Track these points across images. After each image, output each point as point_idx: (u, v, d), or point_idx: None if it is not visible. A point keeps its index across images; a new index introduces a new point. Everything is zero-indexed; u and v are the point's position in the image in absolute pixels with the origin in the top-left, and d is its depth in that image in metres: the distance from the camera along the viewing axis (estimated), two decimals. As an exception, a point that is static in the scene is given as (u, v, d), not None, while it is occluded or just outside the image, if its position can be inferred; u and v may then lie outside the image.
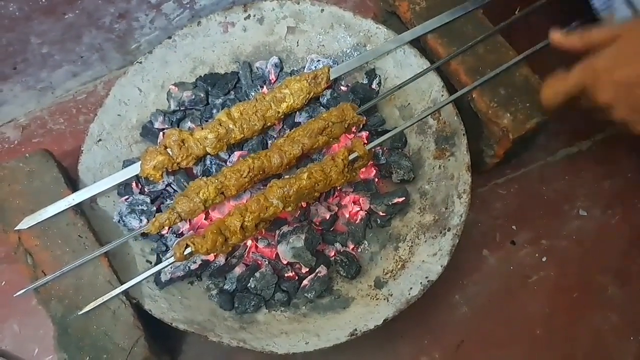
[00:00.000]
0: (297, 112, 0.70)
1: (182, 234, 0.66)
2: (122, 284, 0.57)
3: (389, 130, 0.69)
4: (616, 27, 0.49)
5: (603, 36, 0.50)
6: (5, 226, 0.60)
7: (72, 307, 0.56)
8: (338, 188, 0.68)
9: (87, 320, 0.56)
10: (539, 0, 0.70)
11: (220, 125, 0.63)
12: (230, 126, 0.63)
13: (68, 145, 0.77)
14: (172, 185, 0.67)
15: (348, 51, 0.75)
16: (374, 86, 0.74)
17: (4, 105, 0.76)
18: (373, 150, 0.68)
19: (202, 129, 0.63)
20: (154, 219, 0.59)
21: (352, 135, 0.71)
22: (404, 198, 0.67)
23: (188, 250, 0.57)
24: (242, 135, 0.64)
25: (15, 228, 0.58)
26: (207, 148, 0.63)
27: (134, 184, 0.67)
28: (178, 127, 0.71)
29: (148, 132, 0.71)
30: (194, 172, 0.67)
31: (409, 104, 0.73)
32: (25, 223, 0.58)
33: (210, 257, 0.64)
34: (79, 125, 0.79)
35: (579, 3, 0.69)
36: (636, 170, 0.77)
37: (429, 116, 0.69)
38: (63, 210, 0.59)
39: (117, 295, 0.56)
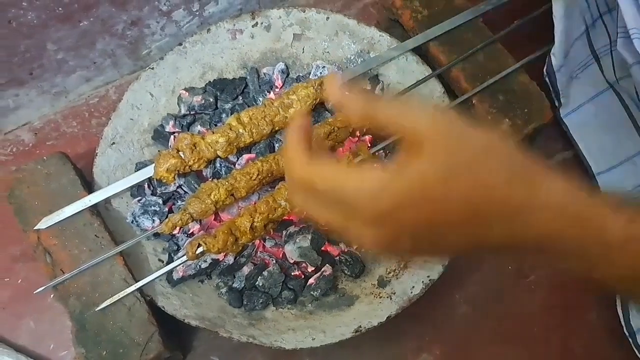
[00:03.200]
0: (303, 117, 0.73)
1: (192, 234, 0.68)
2: (136, 281, 0.60)
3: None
4: (421, 117, 0.34)
5: (395, 125, 0.34)
6: (25, 226, 0.62)
7: (90, 303, 0.59)
8: (343, 190, 0.70)
9: (104, 316, 0.58)
10: (537, 10, 0.72)
11: (231, 129, 0.65)
12: (240, 130, 0.65)
13: (81, 147, 0.79)
14: (182, 187, 0.69)
15: (352, 58, 0.78)
16: (377, 92, 0.76)
17: (20, 109, 0.78)
18: (376, 153, 0.71)
19: (213, 133, 0.65)
20: (167, 220, 0.62)
21: (356, 139, 0.74)
22: (406, 200, 0.70)
23: (200, 249, 0.60)
24: (252, 139, 0.66)
25: (35, 228, 0.61)
26: (217, 151, 0.65)
27: (146, 185, 0.70)
28: (188, 130, 0.74)
29: (159, 136, 0.73)
30: (204, 174, 0.70)
31: (411, 109, 0.75)
32: (44, 223, 0.61)
33: (220, 256, 0.67)
34: (92, 129, 0.81)
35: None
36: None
37: (431, 121, 0.71)
38: (80, 211, 0.62)
39: (133, 293, 0.59)
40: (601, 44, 0.72)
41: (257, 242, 0.68)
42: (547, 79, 0.73)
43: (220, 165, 0.69)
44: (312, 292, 0.66)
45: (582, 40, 0.72)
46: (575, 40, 0.72)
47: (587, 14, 0.70)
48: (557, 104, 0.77)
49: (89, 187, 0.67)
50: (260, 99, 0.75)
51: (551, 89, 0.74)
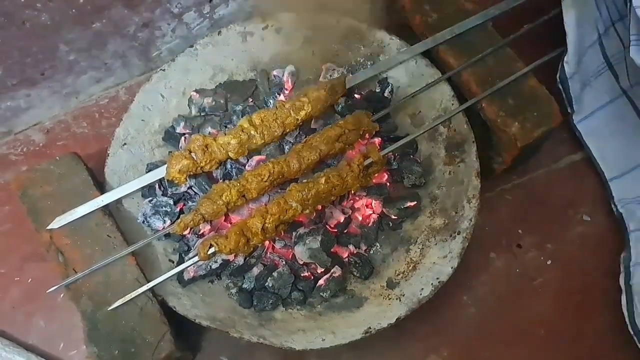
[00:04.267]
0: (313, 119, 0.73)
1: (202, 235, 0.69)
2: (148, 281, 0.60)
3: (401, 137, 0.72)
4: None
5: None
6: (37, 226, 0.63)
7: (102, 303, 0.59)
8: (352, 192, 0.71)
9: (116, 315, 0.59)
10: (546, 14, 0.73)
11: (242, 131, 0.66)
12: (252, 132, 0.66)
13: (91, 148, 0.80)
14: (193, 187, 0.70)
15: (362, 61, 0.79)
16: (386, 94, 0.77)
17: (31, 109, 0.79)
18: (386, 156, 0.71)
19: (225, 134, 0.66)
20: (179, 220, 0.62)
21: (366, 141, 0.74)
22: (415, 202, 0.70)
23: (212, 250, 0.60)
24: (263, 141, 0.67)
25: (47, 227, 0.61)
26: (229, 153, 0.66)
27: (157, 186, 0.70)
28: (199, 132, 0.74)
29: (170, 137, 0.74)
30: (214, 175, 0.70)
31: (421, 112, 0.76)
32: (57, 223, 0.61)
33: (230, 257, 0.67)
34: (102, 129, 0.82)
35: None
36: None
37: (440, 124, 0.72)
38: (92, 211, 0.62)
39: (145, 292, 0.59)
40: (614, 51, 0.73)
41: (267, 243, 0.68)
42: (560, 86, 0.74)
43: (231, 166, 0.69)
44: (321, 294, 0.66)
45: (594, 48, 0.73)
46: (588, 48, 0.72)
47: (599, 22, 0.70)
48: (569, 110, 0.77)
49: (101, 187, 0.68)
50: (271, 101, 0.76)
51: (564, 95, 0.75)
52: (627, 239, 0.73)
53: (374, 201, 0.72)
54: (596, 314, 0.72)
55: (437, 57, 0.74)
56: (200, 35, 0.82)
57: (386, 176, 0.74)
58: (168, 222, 0.68)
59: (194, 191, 0.70)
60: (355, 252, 0.70)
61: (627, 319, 0.68)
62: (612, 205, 0.76)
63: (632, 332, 0.68)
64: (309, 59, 0.80)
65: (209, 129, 0.74)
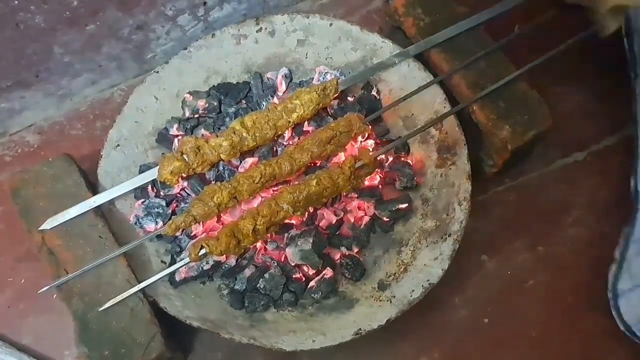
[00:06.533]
0: (306, 122, 0.73)
1: (195, 236, 0.69)
2: (139, 282, 0.61)
3: (393, 140, 0.73)
4: None
5: None
6: (30, 226, 0.63)
7: (93, 304, 0.59)
8: (344, 194, 0.71)
9: (107, 316, 0.59)
10: (538, 18, 0.73)
11: (234, 133, 0.66)
12: (244, 134, 0.66)
13: (85, 149, 0.80)
14: (186, 189, 0.70)
15: (354, 63, 0.79)
16: (378, 97, 0.77)
17: (25, 111, 0.79)
18: (377, 158, 0.71)
19: (217, 136, 0.66)
20: (170, 221, 0.62)
21: (358, 143, 0.74)
22: (407, 205, 0.71)
23: (203, 251, 0.61)
24: (255, 143, 0.67)
25: (39, 228, 0.62)
26: (221, 155, 0.66)
27: (149, 187, 0.70)
28: (192, 134, 0.75)
29: (163, 139, 0.74)
30: (207, 177, 0.70)
31: (413, 114, 0.76)
32: (49, 223, 0.62)
33: (222, 258, 0.67)
34: (96, 131, 0.82)
35: (575, 21, 0.73)
36: (629, 181, 0.80)
37: (432, 127, 0.72)
38: (85, 212, 0.63)
39: (135, 293, 0.60)
40: None
41: (258, 244, 0.69)
42: (625, 44, 0.72)
43: (224, 168, 0.70)
44: (312, 295, 0.67)
45: None
46: None
47: None
48: (632, 75, 0.74)
49: (94, 188, 0.68)
50: (264, 103, 0.76)
51: (627, 55, 0.71)
52: (634, 216, 0.71)
53: (365, 203, 0.72)
54: (588, 315, 0.73)
55: (429, 60, 0.75)
56: (194, 37, 0.82)
57: (378, 178, 0.74)
58: (160, 223, 0.68)
59: (186, 192, 0.71)
60: (347, 253, 0.70)
61: (609, 285, 0.69)
62: (632, 180, 0.74)
63: (609, 296, 0.69)
64: (303, 61, 0.80)
65: (202, 131, 0.75)
